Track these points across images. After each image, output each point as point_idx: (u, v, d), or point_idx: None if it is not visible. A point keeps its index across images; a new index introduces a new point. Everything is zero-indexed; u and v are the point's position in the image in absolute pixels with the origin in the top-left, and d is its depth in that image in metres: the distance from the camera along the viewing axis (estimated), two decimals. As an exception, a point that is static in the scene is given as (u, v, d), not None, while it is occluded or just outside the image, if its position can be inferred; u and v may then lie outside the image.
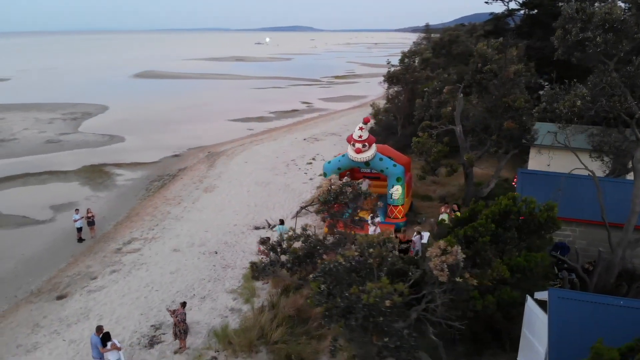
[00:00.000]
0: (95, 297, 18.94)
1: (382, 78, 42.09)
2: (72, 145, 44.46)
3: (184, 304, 15.25)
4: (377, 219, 21.12)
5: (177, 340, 15.16)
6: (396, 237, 20.38)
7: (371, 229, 21.13)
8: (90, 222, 25.16)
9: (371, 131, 43.61)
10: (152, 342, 15.69)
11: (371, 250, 9.26)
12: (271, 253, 10.21)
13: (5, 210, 28.38)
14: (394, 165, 22.11)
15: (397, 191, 22.09)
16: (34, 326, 17.12)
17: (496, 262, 13.52)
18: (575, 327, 9.61)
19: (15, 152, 41.44)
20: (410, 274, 9.90)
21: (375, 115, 43.36)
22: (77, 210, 25.18)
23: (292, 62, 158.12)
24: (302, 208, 26.66)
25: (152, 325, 16.65)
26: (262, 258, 10.38)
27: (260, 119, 57.87)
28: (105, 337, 13.60)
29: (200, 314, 17.30)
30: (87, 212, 25.25)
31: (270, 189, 30.70)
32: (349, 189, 12.10)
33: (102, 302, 18.57)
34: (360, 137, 21.46)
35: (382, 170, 22.36)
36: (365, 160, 21.84)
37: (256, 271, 10.46)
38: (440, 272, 9.13)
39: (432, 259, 9.50)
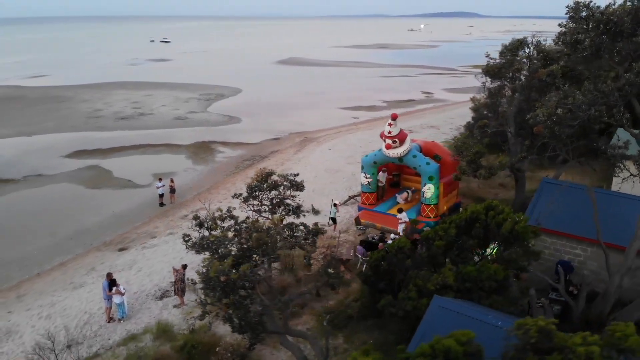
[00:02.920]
0: (145, 253, 22.45)
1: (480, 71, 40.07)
2: (195, 123, 50.36)
3: (184, 266, 17.64)
4: (403, 214, 21.33)
5: (177, 297, 17.65)
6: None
7: (400, 225, 21.49)
8: (172, 190, 29.27)
9: (468, 126, 42.25)
10: (163, 296, 18.42)
11: (254, 234, 10.31)
12: (201, 228, 11.75)
13: (117, 174, 34.07)
14: (427, 164, 21.83)
15: (429, 190, 21.83)
16: (90, 269, 21.10)
17: (445, 268, 13.38)
18: (445, 333, 9.59)
19: (147, 125, 48.56)
20: (304, 260, 10.72)
21: (475, 109, 41.64)
22: (160, 179, 29.39)
23: (436, 50, 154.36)
24: (350, 197, 27.73)
25: (171, 282, 19.38)
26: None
27: (371, 107, 58.72)
28: (112, 283, 16.57)
29: (213, 279, 19.62)
30: (170, 182, 29.37)
31: (336, 176, 31.99)
32: (279, 179, 13.06)
33: (147, 257, 21.99)
34: (389, 132, 21.64)
35: (415, 168, 22.26)
36: (396, 156, 21.99)
37: (187, 243, 12.09)
38: (316, 262, 9.84)
39: (317, 249, 10.23)
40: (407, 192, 24.70)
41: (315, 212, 26.18)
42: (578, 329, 14.50)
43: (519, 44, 20.72)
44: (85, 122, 49.28)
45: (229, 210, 11.81)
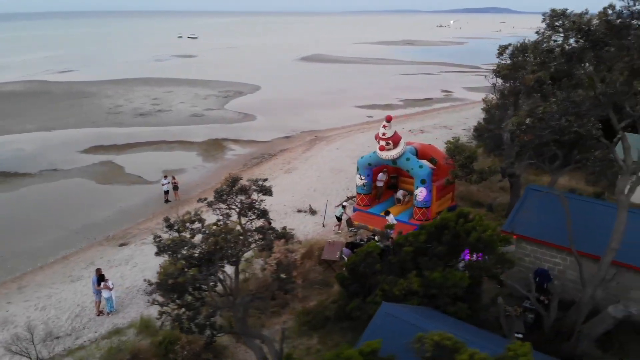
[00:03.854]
0: (143, 249, 23.17)
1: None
2: (210, 120, 51.19)
3: (171, 264, 18.20)
4: (390, 216, 21.48)
5: (165, 293, 18.24)
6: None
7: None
8: (175, 187, 30.05)
9: (479, 127, 41.80)
10: (152, 292, 18.98)
11: (211, 238, 10.69)
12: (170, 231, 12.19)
13: (128, 169, 35.09)
14: (420, 167, 21.95)
15: (421, 193, 21.93)
16: (89, 263, 21.93)
17: (411, 274, 13.53)
18: (386, 341, 9.80)
19: (164, 122, 49.66)
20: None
21: (487, 110, 41.20)
22: (165, 176, 30.19)
23: (463, 47, 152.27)
24: (348, 198, 27.91)
25: (162, 278, 20.03)
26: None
27: (387, 106, 58.47)
28: (100, 278, 17.27)
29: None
30: (173, 179, 30.15)
31: (339, 176, 32.17)
32: (248, 183, 13.38)
33: (145, 253, 22.66)
34: (384, 134, 21.78)
35: (408, 171, 22.38)
36: (389, 158, 22.14)
37: (156, 244, 12.52)
38: (270, 267, 10.17)
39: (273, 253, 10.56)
40: (400, 191, 24.85)
41: (313, 212, 26.68)
42: (550, 338, 14.51)
43: (504, 49, 20.56)
44: (105, 118, 50.74)
45: (197, 214, 12.22)
